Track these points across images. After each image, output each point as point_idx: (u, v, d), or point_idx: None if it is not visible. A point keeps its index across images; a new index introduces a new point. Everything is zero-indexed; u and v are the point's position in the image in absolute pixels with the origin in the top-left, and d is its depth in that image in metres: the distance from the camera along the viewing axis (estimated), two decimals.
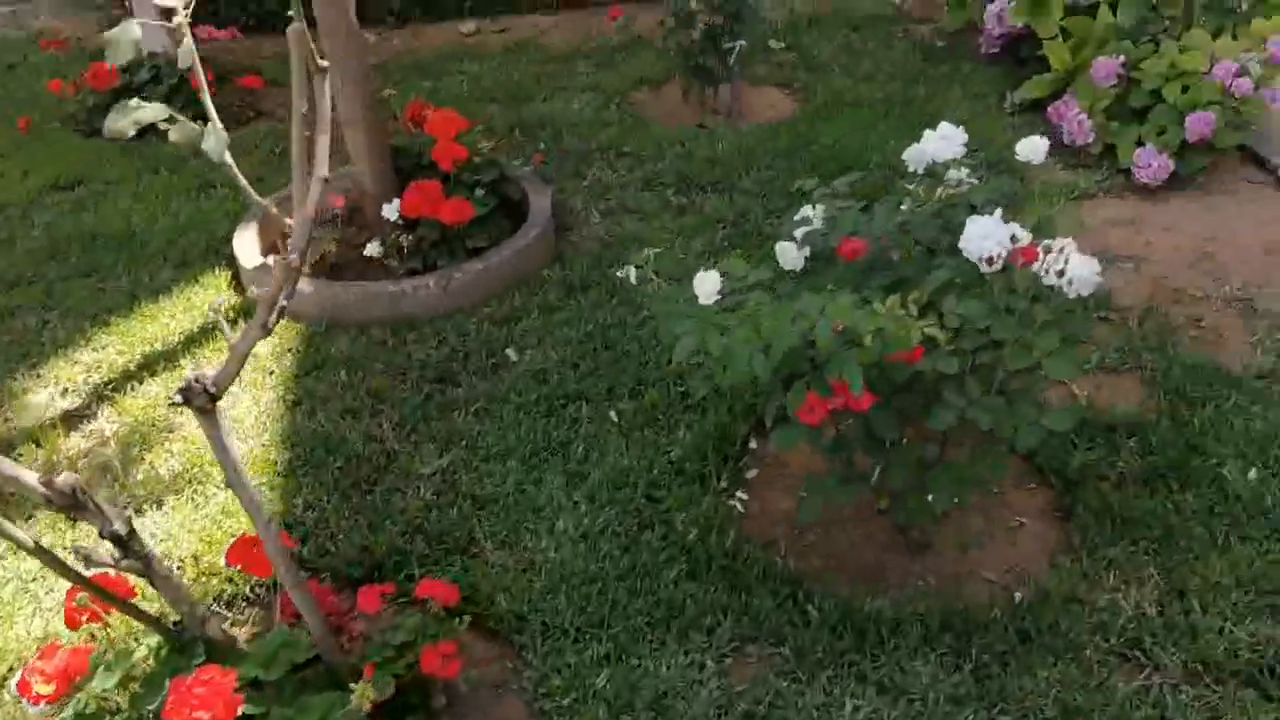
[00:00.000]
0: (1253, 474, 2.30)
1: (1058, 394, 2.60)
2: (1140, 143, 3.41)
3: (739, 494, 2.36)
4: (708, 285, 1.74)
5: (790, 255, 2.17)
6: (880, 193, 2.42)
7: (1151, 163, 3.33)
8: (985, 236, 1.98)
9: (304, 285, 2.96)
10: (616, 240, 3.27)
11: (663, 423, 2.53)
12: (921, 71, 4.22)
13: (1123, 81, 3.47)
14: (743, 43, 3.95)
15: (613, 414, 2.55)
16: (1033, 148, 2.20)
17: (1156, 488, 2.29)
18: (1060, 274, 1.95)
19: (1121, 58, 3.46)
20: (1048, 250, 1.95)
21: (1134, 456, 2.37)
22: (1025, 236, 1.99)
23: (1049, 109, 3.63)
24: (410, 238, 3.07)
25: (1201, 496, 2.25)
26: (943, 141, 2.26)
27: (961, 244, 2.00)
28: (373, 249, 3.06)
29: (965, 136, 2.26)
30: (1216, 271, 3.02)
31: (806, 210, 2.26)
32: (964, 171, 2.38)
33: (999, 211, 2.04)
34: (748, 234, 3.24)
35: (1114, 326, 2.81)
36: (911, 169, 2.32)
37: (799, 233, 2.14)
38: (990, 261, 1.94)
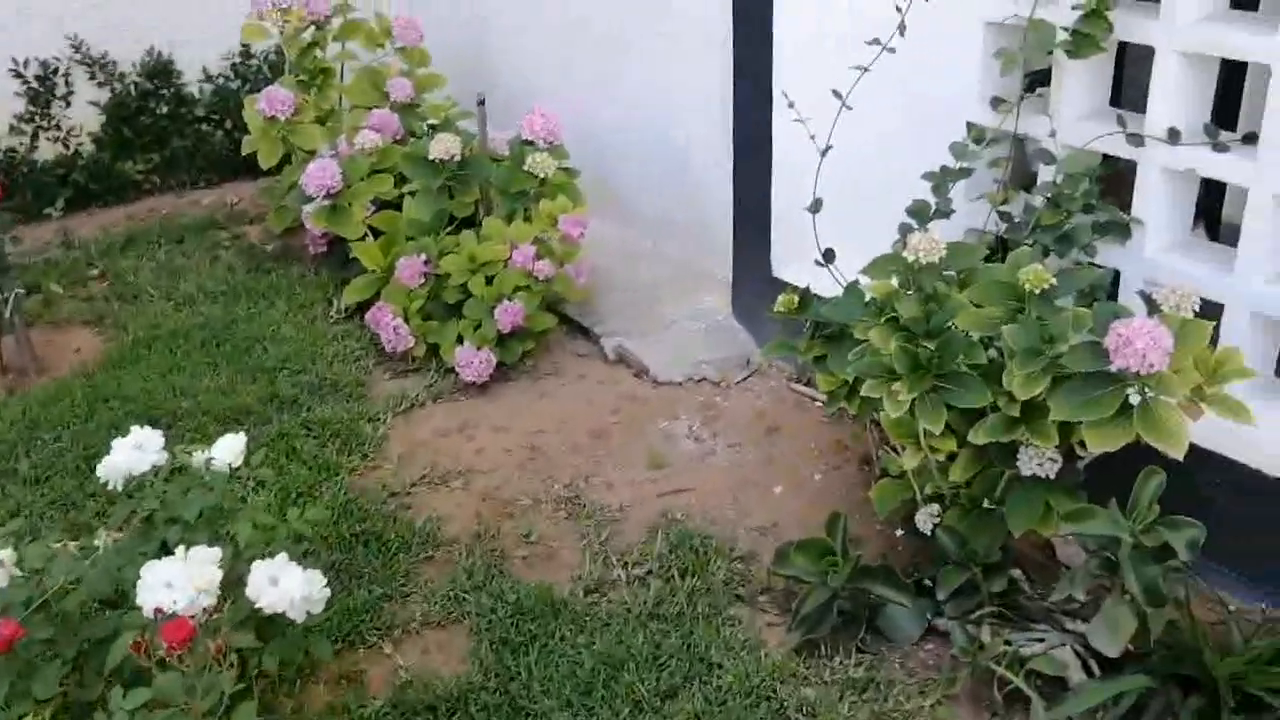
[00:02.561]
0: None
1: (379, 671, 2.28)
2: (461, 340, 3.26)
3: None
4: None
5: None
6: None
7: (473, 360, 3.19)
8: (168, 585, 1.60)
9: None
10: None
11: None
12: (246, 285, 3.86)
13: (431, 278, 3.33)
14: (20, 290, 3.38)
15: None
16: (228, 448, 1.87)
17: None
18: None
19: (424, 255, 3.31)
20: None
21: None
22: (213, 576, 1.63)
23: (367, 315, 3.41)
24: None
25: None
26: (136, 452, 1.87)
27: (138, 598, 1.60)
28: None
29: (161, 441, 1.89)
30: (546, 470, 2.90)
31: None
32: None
33: (184, 551, 1.67)
34: (15, 546, 2.64)
35: (441, 566, 2.57)
36: (110, 486, 1.90)
37: None
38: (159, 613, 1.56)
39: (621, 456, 2.93)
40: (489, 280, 3.27)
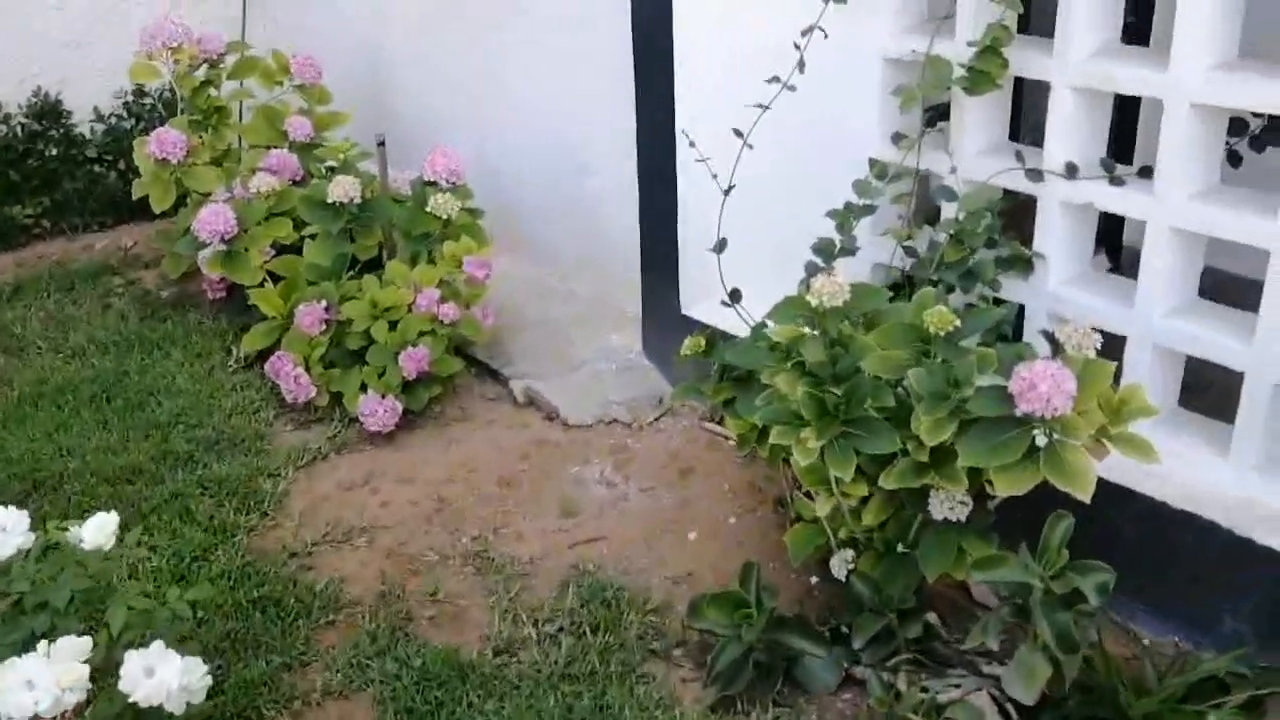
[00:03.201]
0: None
1: None
2: (365, 388, 3.16)
3: None
4: None
5: None
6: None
7: (378, 409, 3.09)
8: (29, 684, 1.49)
9: None
10: None
11: None
12: (140, 335, 3.71)
13: (333, 325, 3.22)
14: None
15: None
16: (98, 528, 1.76)
17: None
18: None
19: (324, 301, 3.21)
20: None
21: None
22: (79, 673, 1.52)
23: (267, 364, 3.29)
24: None
25: None
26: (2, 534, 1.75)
27: None
28: None
29: (27, 521, 1.77)
30: (454, 522, 2.81)
31: None
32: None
33: (46, 646, 1.56)
34: None
35: (344, 630, 2.46)
36: None
37: None
38: None
39: (532, 505, 2.85)
40: (392, 325, 3.18)
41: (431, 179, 3.39)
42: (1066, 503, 1.93)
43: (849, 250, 2.56)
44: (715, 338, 2.47)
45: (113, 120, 4.67)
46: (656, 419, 3.17)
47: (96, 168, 4.66)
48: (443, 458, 3.08)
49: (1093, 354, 1.95)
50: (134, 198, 3.77)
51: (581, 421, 3.17)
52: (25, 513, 1.78)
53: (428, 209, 3.31)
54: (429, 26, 4.03)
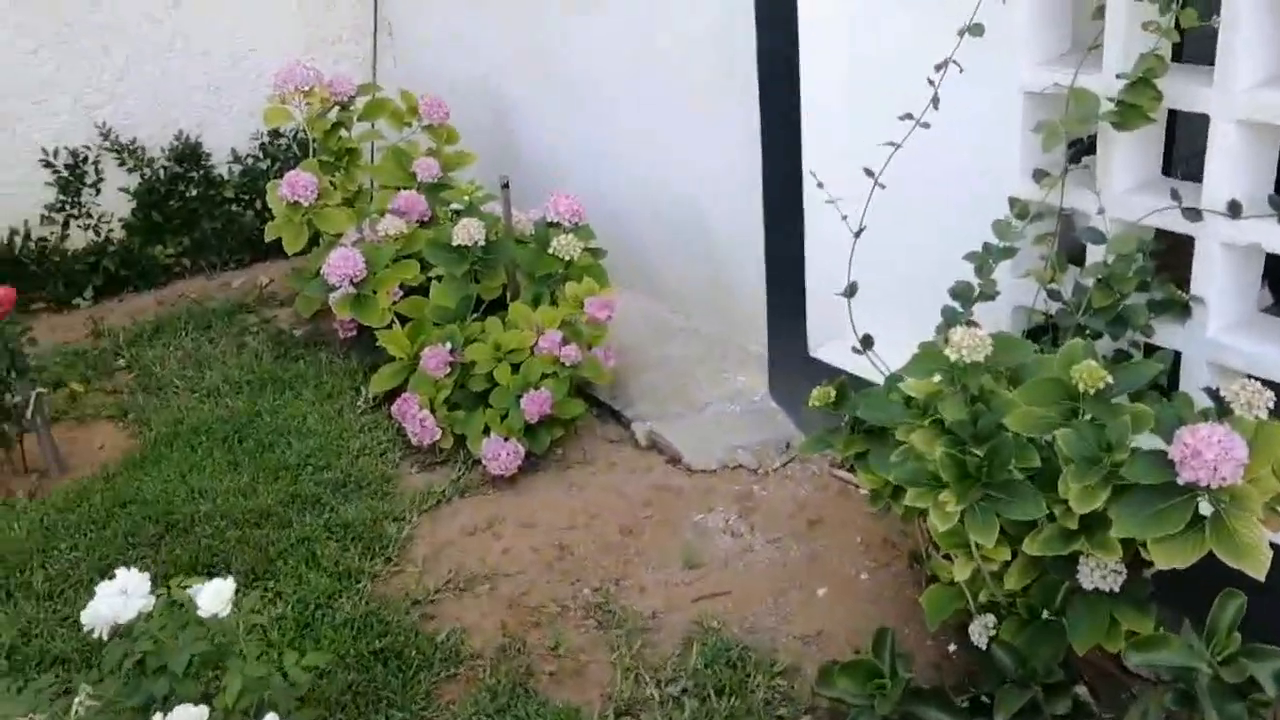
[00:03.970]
0: None
1: None
2: (488, 430, 3.14)
3: None
4: None
5: None
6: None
7: (500, 452, 3.06)
8: None
9: None
10: None
11: None
12: (273, 375, 3.77)
13: (458, 367, 3.21)
14: (40, 390, 3.31)
15: None
16: (215, 595, 1.75)
17: None
18: None
19: (449, 345, 3.20)
20: None
21: None
22: None
23: (393, 406, 3.30)
24: None
25: None
26: (121, 598, 1.76)
27: None
28: None
29: (148, 584, 1.77)
30: (575, 572, 2.75)
31: None
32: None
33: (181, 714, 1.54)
34: (24, 668, 2.53)
35: (464, 685, 2.42)
36: (96, 634, 1.78)
37: None
38: None
39: (654, 555, 2.78)
40: (515, 368, 3.15)
41: (554, 220, 3.37)
42: (1237, 584, 1.76)
43: (988, 295, 2.42)
44: (845, 386, 2.36)
45: (249, 161, 4.80)
46: (784, 465, 3.07)
47: (234, 207, 4.79)
48: (564, 503, 3.04)
49: (1265, 414, 1.79)
50: (266, 240, 3.84)
51: (705, 466, 3.08)
52: (147, 575, 1.78)
53: (550, 250, 3.29)
54: (552, 70, 4.02)
